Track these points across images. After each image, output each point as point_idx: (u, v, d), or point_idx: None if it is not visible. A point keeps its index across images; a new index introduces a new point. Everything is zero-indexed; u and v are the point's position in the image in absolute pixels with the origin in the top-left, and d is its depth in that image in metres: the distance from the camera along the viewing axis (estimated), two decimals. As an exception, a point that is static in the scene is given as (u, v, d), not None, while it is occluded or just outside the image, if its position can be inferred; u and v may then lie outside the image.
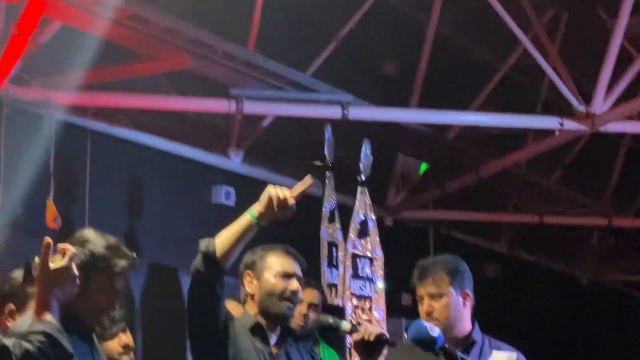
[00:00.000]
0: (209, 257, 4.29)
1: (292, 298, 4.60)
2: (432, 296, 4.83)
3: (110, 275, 4.03)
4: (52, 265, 3.56)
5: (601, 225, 12.41)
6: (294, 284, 4.61)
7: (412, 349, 4.88)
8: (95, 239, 4.05)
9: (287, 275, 4.61)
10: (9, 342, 3.39)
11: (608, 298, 13.96)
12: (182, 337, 8.11)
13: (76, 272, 3.63)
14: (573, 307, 13.23)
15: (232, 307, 4.79)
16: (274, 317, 4.59)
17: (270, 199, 4.28)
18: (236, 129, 9.01)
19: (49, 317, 3.53)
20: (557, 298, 13.01)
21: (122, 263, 4.04)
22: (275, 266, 4.62)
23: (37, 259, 3.61)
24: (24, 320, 3.58)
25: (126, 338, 5.29)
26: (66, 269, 3.59)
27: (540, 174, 11.64)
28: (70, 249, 3.62)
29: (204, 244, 4.33)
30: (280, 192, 4.31)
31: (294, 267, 4.65)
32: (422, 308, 4.86)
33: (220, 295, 4.39)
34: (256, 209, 4.33)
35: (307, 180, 4.37)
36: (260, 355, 4.54)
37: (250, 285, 4.62)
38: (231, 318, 4.56)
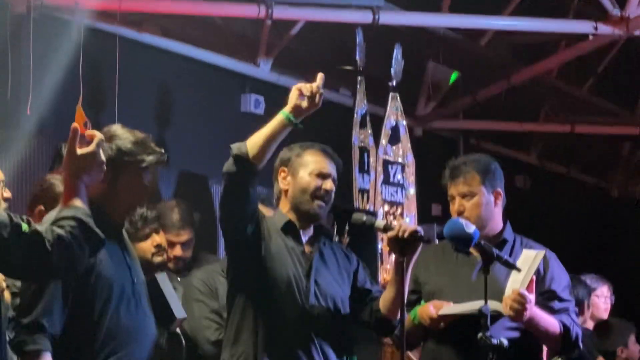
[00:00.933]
0: (241, 157, 4.26)
1: (324, 197, 4.58)
2: (464, 195, 4.84)
3: (138, 171, 4.05)
4: (80, 151, 3.54)
5: (633, 136, 12.29)
6: (328, 184, 4.59)
7: (445, 247, 4.89)
8: (123, 134, 4.07)
9: (322, 175, 4.58)
10: (41, 227, 3.38)
11: (638, 210, 13.89)
12: (213, 245, 8.17)
13: (103, 157, 3.61)
14: (603, 219, 13.18)
15: (263, 210, 4.79)
16: (304, 215, 4.57)
17: (299, 91, 4.24)
18: (265, 37, 8.93)
19: (78, 202, 3.53)
20: (587, 210, 12.96)
21: (149, 158, 4.05)
22: (311, 164, 4.60)
23: (64, 145, 3.60)
24: (51, 214, 3.58)
25: (159, 238, 5.31)
26: (93, 154, 3.57)
27: (572, 83, 11.51)
28: (97, 135, 3.60)
29: (235, 146, 4.31)
30: (307, 84, 4.27)
31: (330, 168, 4.63)
32: (454, 207, 4.86)
33: (252, 195, 4.37)
34: (287, 107, 4.29)
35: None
36: (292, 254, 4.53)
37: (284, 181, 4.60)
38: (262, 217, 4.54)
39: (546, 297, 4.73)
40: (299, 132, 9.27)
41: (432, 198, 9.59)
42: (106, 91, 7.63)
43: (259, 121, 8.89)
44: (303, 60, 9.62)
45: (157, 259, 5.24)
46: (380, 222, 4.61)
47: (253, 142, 4.32)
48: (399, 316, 4.50)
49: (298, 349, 4.44)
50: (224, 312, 4.89)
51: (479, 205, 4.83)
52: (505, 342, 4.23)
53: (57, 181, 4.74)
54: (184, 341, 5.03)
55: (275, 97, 9.27)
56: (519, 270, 4.47)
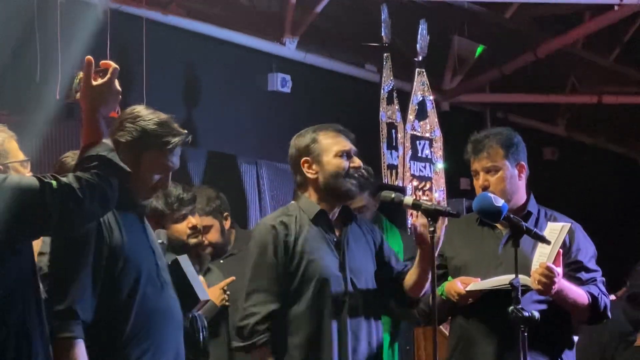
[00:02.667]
0: None
1: (357, 174, 4.60)
2: (488, 170, 4.81)
3: (163, 152, 4.02)
4: (95, 82, 3.57)
5: (661, 105, 12.23)
6: (356, 161, 4.60)
7: (469, 222, 4.92)
8: (147, 115, 4.03)
9: (347, 153, 4.59)
10: (67, 179, 3.42)
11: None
12: (244, 221, 8.21)
13: (118, 87, 3.63)
14: (631, 190, 13.13)
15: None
16: (343, 195, 4.58)
17: None
18: (290, 15, 8.95)
19: (98, 138, 3.57)
20: (615, 180, 12.92)
21: (174, 139, 4.03)
22: (333, 146, 4.59)
23: (79, 75, 3.62)
24: None
25: (195, 220, 5.32)
26: (109, 84, 3.59)
27: (598, 53, 11.46)
28: (112, 65, 3.62)
29: None
30: None
31: (349, 144, 4.63)
32: (478, 182, 4.84)
33: None
34: None
35: None
36: (325, 244, 4.55)
37: (310, 170, 4.58)
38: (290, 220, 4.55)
39: (573, 269, 4.72)
40: (326, 111, 9.30)
41: (461, 172, 9.60)
42: (134, 74, 7.68)
43: (286, 100, 9.08)
44: (329, 38, 9.64)
45: (193, 241, 5.25)
46: (408, 198, 4.60)
47: None
48: (422, 292, 4.55)
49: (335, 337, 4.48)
50: None
51: (504, 179, 4.81)
52: (536, 314, 4.23)
53: (68, 158, 4.76)
54: (206, 324, 5.03)
55: (302, 75, 9.32)
56: (549, 242, 4.46)
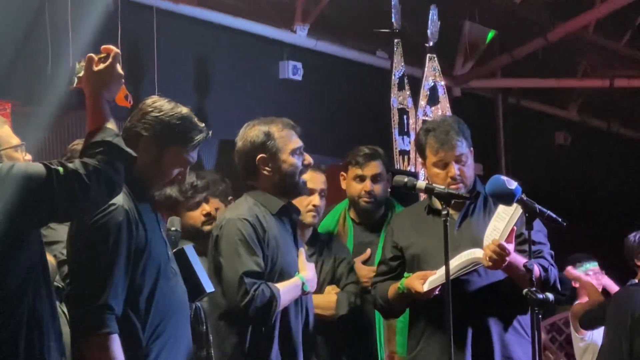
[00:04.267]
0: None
1: (307, 171, 4.81)
2: (458, 160, 4.90)
3: (184, 148, 4.03)
4: (96, 68, 3.59)
5: (673, 88, 12.19)
6: (307, 158, 4.74)
7: (418, 210, 5.22)
8: (169, 110, 4.04)
9: (299, 151, 4.70)
10: (74, 165, 3.43)
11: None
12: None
13: (121, 71, 3.63)
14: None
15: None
16: (296, 193, 4.73)
17: None
18: (301, 3, 8.95)
19: (103, 123, 3.58)
20: (628, 164, 12.90)
21: (196, 136, 4.04)
22: (288, 144, 4.65)
23: (80, 62, 3.63)
24: None
25: (209, 207, 5.34)
26: (110, 68, 3.60)
27: (610, 37, 11.43)
28: (113, 49, 3.62)
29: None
30: None
31: (299, 140, 4.74)
32: (445, 173, 4.92)
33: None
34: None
35: None
36: (290, 237, 4.68)
37: (266, 168, 4.68)
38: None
39: (519, 242, 4.76)
40: (337, 98, 9.28)
41: (473, 157, 9.58)
42: (145, 63, 7.69)
43: (297, 87, 9.08)
44: (340, 25, 9.64)
45: (207, 228, 5.24)
46: (421, 182, 4.66)
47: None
48: None
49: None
50: None
51: (470, 166, 4.96)
52: (550, 296, 4.25)
53: (78, 145, 4.79)
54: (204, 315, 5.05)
55: (313, 62, 9.32)
56: (563, 224, 4.47)
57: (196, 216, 5.29)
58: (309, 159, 4.67)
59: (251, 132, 4.63)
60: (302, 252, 4.68)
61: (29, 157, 3.89)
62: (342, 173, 5.85)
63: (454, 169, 4.87)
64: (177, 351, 3.96)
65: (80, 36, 7.03)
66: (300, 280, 4.51)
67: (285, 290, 4.46)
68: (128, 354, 3.77)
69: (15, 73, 6.87)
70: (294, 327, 4.56)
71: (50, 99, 6.88)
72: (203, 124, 4.09)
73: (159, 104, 4.05)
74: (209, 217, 5.32)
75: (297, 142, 4.64)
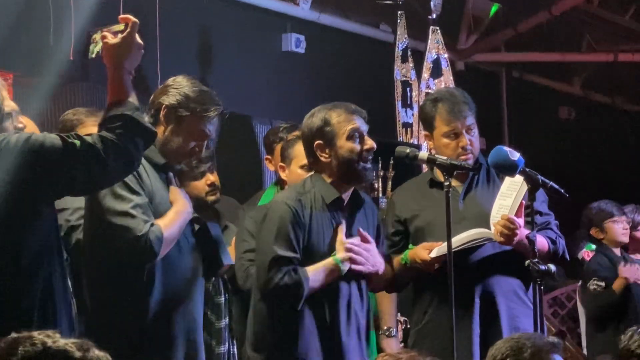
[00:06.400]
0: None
1: (370, 157, 4.62)
2: (468, 130, 4.84)
3: (201, 118, 4.12)
4: (114, 39, 3.62)
5: (677, 63, 12.15)
6: (368, 142, 4.58)
7: (419, 183, 5.14)
8: (190, 85, 4.18)
9: (358, 134, 4.55)
10: (91, 139, 3.43)
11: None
12: (259, 183, 8.21)
13: (140, 40, 3.65)
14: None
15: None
16: (355, 180, 4.55)
17: None
18: (304, -25, 8.93)
19: (124, 96, 3.60)
20: (632, 139, 12.88)
21: (212, 107, 4.14)
22: (345, 128, 4.52)
23: (97, 33, 3.64)
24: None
25: (213, 177, 5.34)
26: (129, 38, 3.62)
27: (614, 11, 11.38)
28: (131, 18, 3.63)
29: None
30: None
31: (361, 123, 4.60)
32: (456, 143, 4.82)
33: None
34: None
35: None
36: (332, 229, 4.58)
37: (323, 154, 4.51)
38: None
39: (526, 213, 4.73)
40: (340, 71, 9.24)
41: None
42: (147, 35, 7.63)
43: (300, 60, 9.05)
44: (343, -3, 9.61)
45: (211, 198, 5.26)
46: (423, 153, 4.62)
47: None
48: None
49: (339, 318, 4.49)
50: None
51: (478, 137, 4.91)
52: (553, 268, 4.24)
53: (68, 115, 4.88)
54: (229, 287, 5.06)
55: (316, 35, 9.29)
56: (566, 196, 4.46)
57: (200, 186, 5.28)
58: (370, 143, 4.49)
59: (311, 119, 4.55)
60: (341, 230, 4.57)
61: (22, 124, 3.90)
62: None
63: (465, 139, 4.80)
64: (188, 319, 4.12)
65: (82, 7, 7.02)
66: (335, 262, 4.43)
67: (315, 273, 4.38)
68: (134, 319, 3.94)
69: (17, 44, 6.86)
70: (343, 332, 4.43)
71: (52, 70, 6.88)
72: (221, 102, 4.19)
73: (181, 80, 4.20)
74: (213, 187, 5.32)
75: (355, 127, 4.50)
